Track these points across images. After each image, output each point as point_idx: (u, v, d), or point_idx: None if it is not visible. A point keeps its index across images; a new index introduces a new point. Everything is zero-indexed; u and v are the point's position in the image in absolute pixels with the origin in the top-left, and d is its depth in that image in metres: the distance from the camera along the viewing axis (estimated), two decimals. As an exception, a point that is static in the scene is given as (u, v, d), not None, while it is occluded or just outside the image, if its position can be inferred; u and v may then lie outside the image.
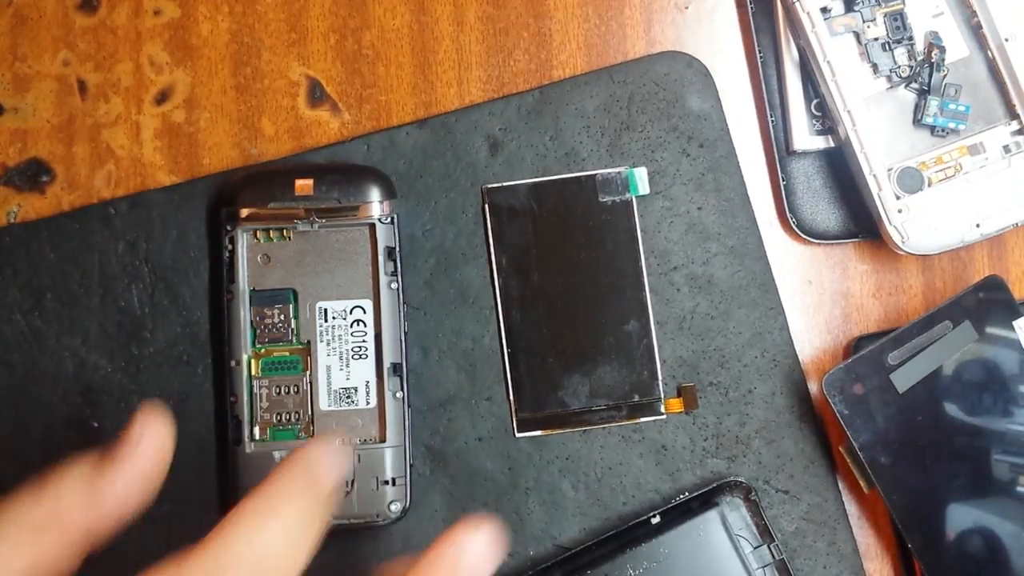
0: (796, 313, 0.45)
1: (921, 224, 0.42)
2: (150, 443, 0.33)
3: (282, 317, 0.42)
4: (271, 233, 0.42)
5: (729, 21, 0.47)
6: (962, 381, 0.41)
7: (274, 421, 0.42)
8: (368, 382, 0.42)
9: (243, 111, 0.46)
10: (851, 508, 0.44)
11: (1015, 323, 0.41)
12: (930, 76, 0.42)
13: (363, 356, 0.42)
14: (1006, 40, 0.42)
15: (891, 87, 0.43)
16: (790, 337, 0.44)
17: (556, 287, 0.44)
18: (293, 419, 0.42)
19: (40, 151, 0.46)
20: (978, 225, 0.42)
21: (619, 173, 0.45)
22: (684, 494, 0.43)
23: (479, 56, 0.46)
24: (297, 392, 0.42)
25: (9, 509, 0.31)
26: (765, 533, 0.42)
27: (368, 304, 0.42)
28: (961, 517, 0.41)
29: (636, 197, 0.45)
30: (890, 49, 0.43)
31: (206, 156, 0.46)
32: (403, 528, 0.43)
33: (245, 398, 0.42)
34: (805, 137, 0.45)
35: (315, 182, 0.42)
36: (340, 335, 0.42)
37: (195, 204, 0.45)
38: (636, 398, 0.44)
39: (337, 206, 0.42)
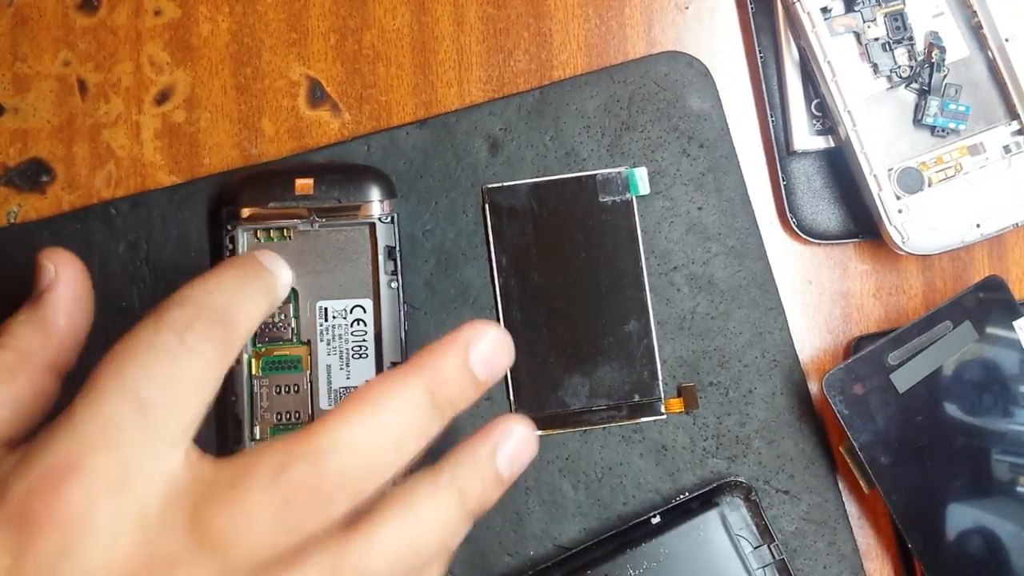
0: (796, 313, 0.45)
1: (921, 224, 0.42)
2: (64, 267, 0.35)
3: (282, 316, 0.42)
4: (271, 233, 0.42)
5: (729, 21, 0.47)
6: (962, 381, 0.41)
7: (274, 420, 0.42)
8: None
9: (243, 111, 0.46)
10: (851, 508, 0.44)
11: (1015, 323, 0.41)
12: (930, 76, 0.42)
13: (363, 356, 0.42)
14: (1006, 40, 0.42)
15: (891, 87, 0.43)
16: (790, 337, 0.44)
17: (556, 287, 0.44)
18: (293, 418, 0.42)
19: (40, 151, 0.46)
20: (978, 225, 0.42)
21: (619, 173, 0.45)
22: (684, 494, 0.43)
23: (479, 56, 0.46)
24: (297, 391, 0.42)
25: None
26: (765, 533, 0.42)
27: (368, 304, 0.42)
28: (961, 517, 0.41)
29: (636, 197, 0.45)
30: (890, 49, 0.43)
31: (206, 156, 0.46)
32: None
33: (245, 397, 0.42)
34: (805, 137, 0.45)
35: (315, 182, 0.42)
36: (340, 334, 0.42)
37: (195, 204, 0.45)
38: (636, 398, 0.44)
39: (337, 206, 0.42)
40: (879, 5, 0.43)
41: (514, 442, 0.31)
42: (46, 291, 0.35)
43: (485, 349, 0.31)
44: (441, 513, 0.29)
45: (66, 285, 0.35)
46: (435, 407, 0.30)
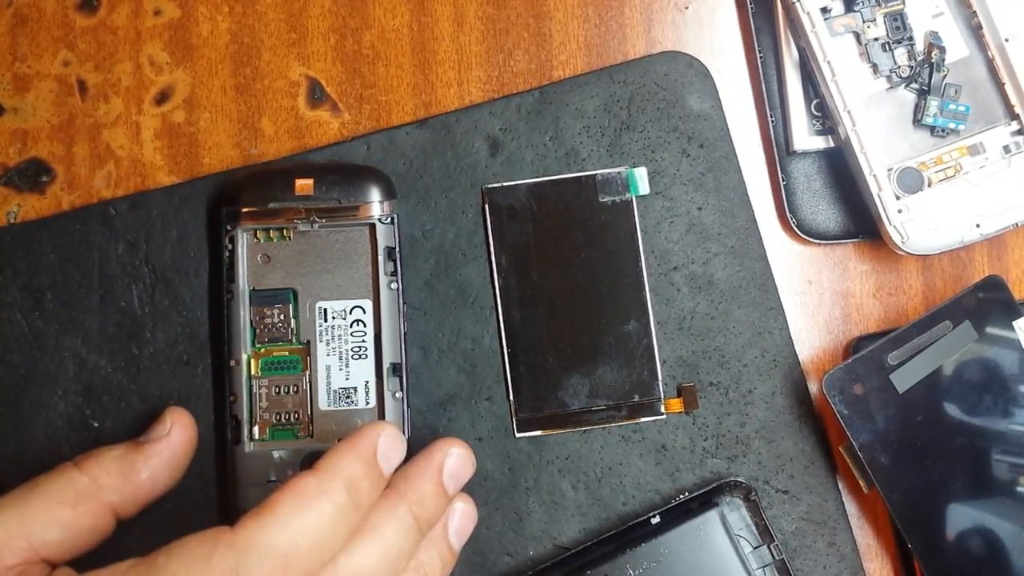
0: (796, 313, 0.45)
1: (921, 224, 0.42)
2: (179, 432, 0.38)
3: (282, 317, 0.42)
4: (271, 233, 0.42)
5: (729, 21, 0.47)
6: (962, 381, 0.41)
7: (273, 421, 0.42)
8: (367, 382, 0.42)
9: (243, 111, 0.46)
10: (851, 508, 0.44)
11: (1015, 323, 0.41)
12: (930, 76, 0.42)
13: (363, 356, 0.42)
14: (1006, 40, 0.42)
15: (891, 87, 0.43)
16: (790, 337, 0.44)
17: (556, 287, 0.44)
18: (292, 419, 0.42)
19: (40, 151, 0.46)
20: (978, 225, 0.42)
21: (619, 173, 0.45)
22: (684, 494, 0.43)
23: (479, 56, 0.46)
24: (296, 392, 0.42)
25: (54, 478, 0.34)
26: (765, 533, 0.42)
27: (368, 304, 0.42)
28: (961, 517, 0.41)
29: (636, 197, 0.45)
30: (890, 49, 0.43)
31: (206, 156, 0.46)
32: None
33: (244, 398, 0.42)
34: (805, 137, 0.45)
35: (315, 182, 0.42)
36: (340, 335, 0.42)
37: (195, 204, 0.45)
38: (636, 398, 0.44)
39: (337, 206, 0.42)
40: (879, 5, 0.43)
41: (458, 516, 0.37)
42: (150, 443, 0.37)
43: (454, 466, 0.36)
44: None
45: (169, 448, 0.38)
46: (420, 530, 0.34)
